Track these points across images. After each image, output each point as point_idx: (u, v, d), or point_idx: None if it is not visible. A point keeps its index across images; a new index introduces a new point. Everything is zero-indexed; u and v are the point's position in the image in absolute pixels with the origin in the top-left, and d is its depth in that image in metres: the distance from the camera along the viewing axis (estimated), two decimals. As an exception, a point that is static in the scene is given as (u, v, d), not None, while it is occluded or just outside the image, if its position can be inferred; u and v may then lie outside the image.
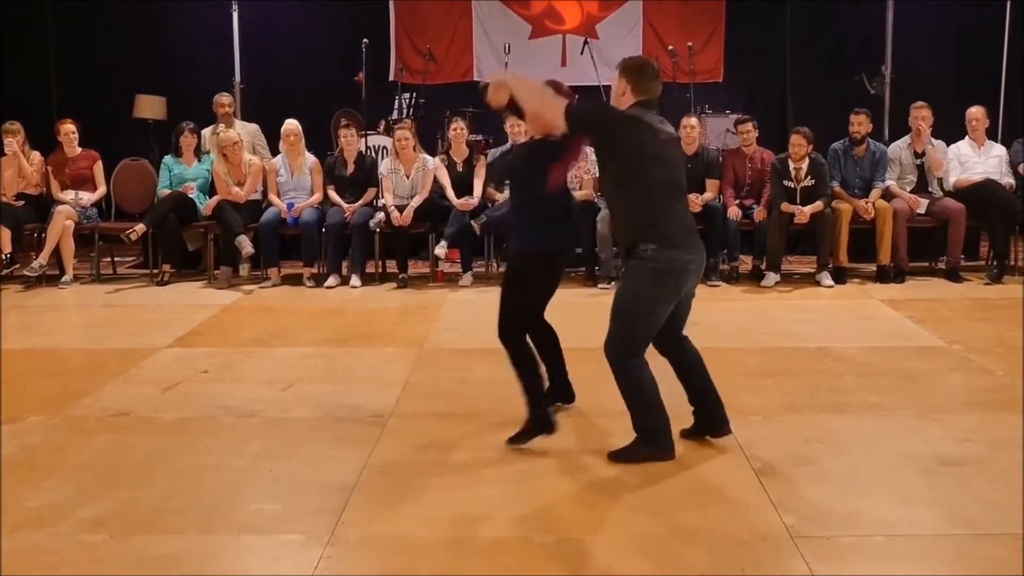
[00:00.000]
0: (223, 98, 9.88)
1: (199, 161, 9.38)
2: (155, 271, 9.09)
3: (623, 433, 4.76)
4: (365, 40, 10.20)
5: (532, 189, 4.65)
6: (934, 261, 9.30)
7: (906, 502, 3.98)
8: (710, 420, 4.64)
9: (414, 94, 11.66)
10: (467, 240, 8.88)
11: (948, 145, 9.11)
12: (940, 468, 4.33)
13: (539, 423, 4.63)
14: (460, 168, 9.16)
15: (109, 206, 9.69)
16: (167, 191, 9.15)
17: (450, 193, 8.94)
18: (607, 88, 11.32)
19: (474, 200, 8.86)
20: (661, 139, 4.35)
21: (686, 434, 4.67)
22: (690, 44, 11.09)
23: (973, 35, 11.30)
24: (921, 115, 8.97)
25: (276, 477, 4.31)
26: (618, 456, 4.46)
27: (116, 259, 9.78)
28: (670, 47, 11.47)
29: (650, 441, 4.43)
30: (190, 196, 9.09)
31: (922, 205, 8.86)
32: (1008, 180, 8.98)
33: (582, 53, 11.62)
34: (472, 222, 8.66)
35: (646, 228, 4.29)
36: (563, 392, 5.19)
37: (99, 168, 9.50)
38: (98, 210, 9.49)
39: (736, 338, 6.74)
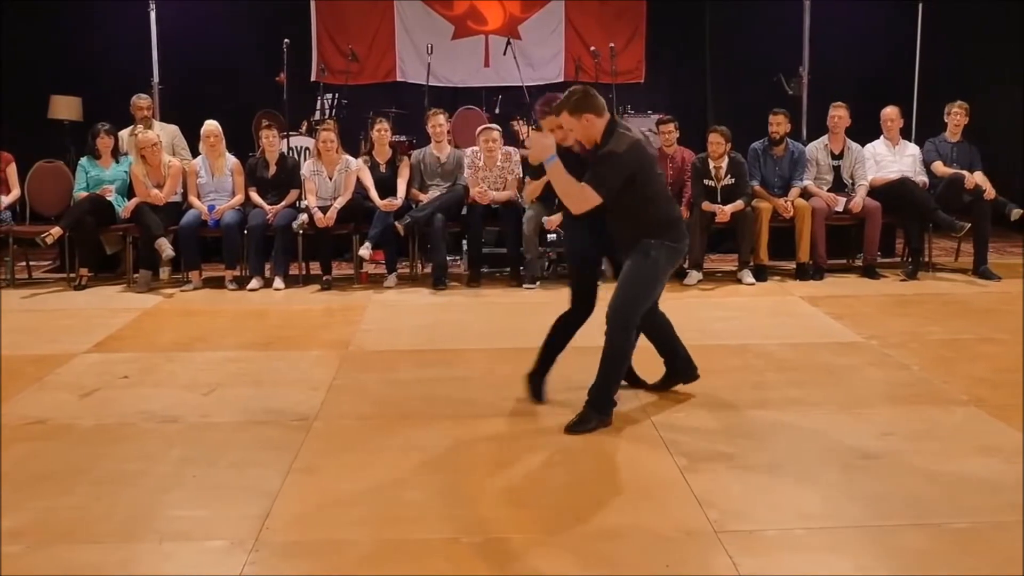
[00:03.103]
0: (141, 100, 9.70)
1: (116, 163, 9.21)
2: (72, 275, 8.90)
3: (555, 433, 4.80)
4: (286, 40, 10.11)
5: None
6: (851, 258, 9.50)
7: (828, 495, 4.04)
8: (685, 367, 5.36)
9: (336, 95, 11.60)
10: (391, 241, 8.83)
11: (863, 145, 9.29)
12: (860, 461, 4.40)
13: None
14: (383, 169, 9.11)
15: (24, 209, 9.47)
16: (84, 194, 8.97)
17: (373, 194, 8.89)
18: (530, 88, 11.47)
19: (398, 201, 8.82)
20: (651, 153, 5.02)
21: (654, 387, 5.39)
22: (612, 45, 11.19)
23: (887, 36, 11.53)
24: (837, 114, 9.14)
25: (199, 483, 4.25)
26: (574, 428, 4.81)
27: (31, 263, 9.56)
28: (592, 48, 11.57)
29: (603, 409, 4.89)
30: (108, 198, 8.92)
31: (840, 203, 9.01)
32: (922, 178, 9.17)
33: (505, 54, 11.67)
34: (396, 223, 8.63)
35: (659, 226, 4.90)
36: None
37: (12, 170, 9.29)
38: (12, 213, 9.28)
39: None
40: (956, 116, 9.28)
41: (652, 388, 5.40)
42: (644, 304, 4.94)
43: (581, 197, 4.79)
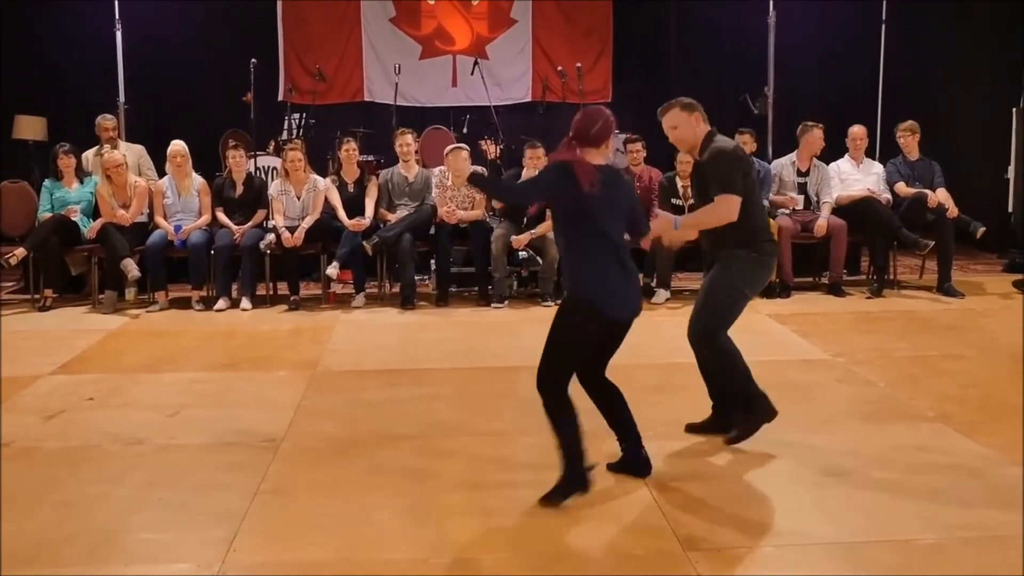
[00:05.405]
0: (106, 121, 9.62)
1: (81, 183, 9.12)
2: (37, 296, 8.80)
3: (522, 450, 4.78)
4: (253, 60, 10.06)
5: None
6: (818, 276, 9.54)
7: (795, 512, 4.06)
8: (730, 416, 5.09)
9: (303, 114, 11.56)
10: (359, 261, 8.79)
11: (828, 164, 9.36)
12: (828, 478, 4.43)
13: (572, 480, 4.19)
14: (351, 188, 9.10)
15: (-13, 229, 9.39)
16: (49, 214, 8.88)
17: (341, 214, 8.87)
18: (498, 108, 11.49)
19: (366, 221, 8.80)
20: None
21: (696, 427, 5.14)
22: (579, 65, 11.22)
23: (851, 56, 11.65)
24: (820, 136, 9.15)
25: (164, 506, 4.21)
26: (737, 438, 4.84)
27: (-5, 284, 9.48)
28: (559, 68, 11.63)
29: (750, 409, 4.85)
30: (73, 219, 8.83)
31: (799, 201, 9.11)
32: (886, 196, 9.25)
33: (472, 74, 11.68)
34: (364, 243, 8.60)
35: (752, 237, 4.85)
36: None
37: (-24, 191, 9.21)
38: (-25, 234, 9.20)
39: (626, 354, 6.64)
40: (903, 138, 9.40)
41: (693, 429, 5.14)
42: (729, 316, 4.88)
43: (723, 210, 4.73)
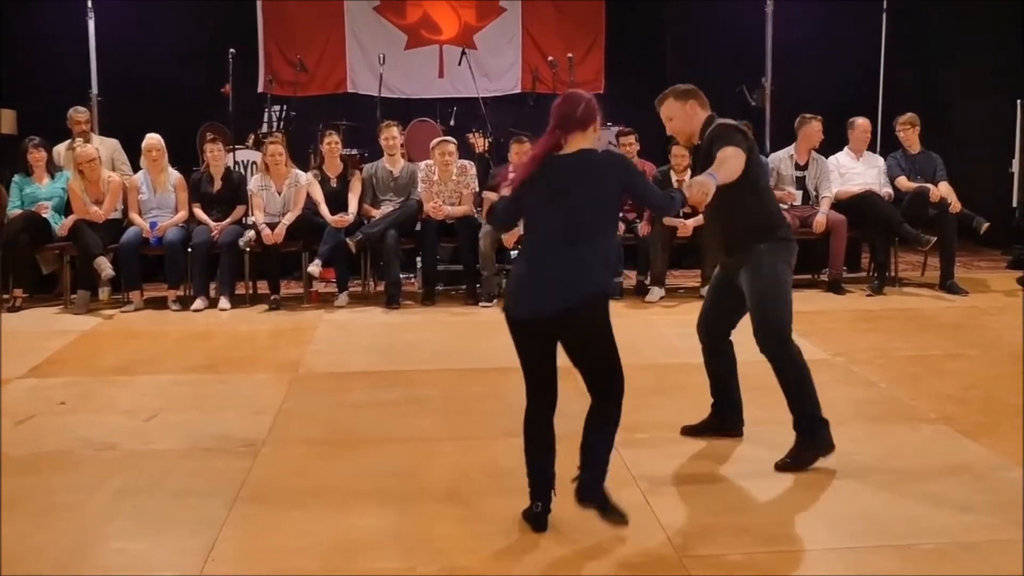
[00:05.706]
0: (78, 114, 9.42)
1: (52, 179, 8.95)
2: (6, 296, 8.63)
3: (510, 454, 4.60)
4: (232, 49, 9.90)
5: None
6: (816, 273, 9.44)
7: (793, 517, 4.06)
8: (735, 417, 4.97)
9: (284, 106, 11.46)
10: (342, 258, 8.67)
11: (827, 157, 9.26)
12: (827, 482, 4.39)
13: (527, 512, 3.93)
14: (334, 183, 8.97)
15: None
16: (18, 211, 8.72)
17: (323, 210, 8.72)
18: (486, 100, 11.35)
19: (349, 217, 8.66)
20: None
21: (692, 430, 5.00)
22: (570, 55, 11.18)
23: (851, 47, 11.62)
24: (819, 129, 9.04)
25: (140, 514, 4.13)
26: (789, 467, 4.48)
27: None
28: (550, 58, 11.52)
29: (815, 435, 4.50)
30: (44, 216, 8.66)
31: (797, 197, 9.01)
32: (887, 190, 9.15)
33: (460, 64, 11.57)
34: (347, 239, 8.48)
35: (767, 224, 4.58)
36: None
37: (-56, 186, 9.01)
38: (-58, 231, 8.98)
39: (622, 354, 6.63)
40: (903, 131, 9.32)
41: (689, 431, 5.01)
42: (787, 311, 4.53)
43: (732, 161, 4.29)
